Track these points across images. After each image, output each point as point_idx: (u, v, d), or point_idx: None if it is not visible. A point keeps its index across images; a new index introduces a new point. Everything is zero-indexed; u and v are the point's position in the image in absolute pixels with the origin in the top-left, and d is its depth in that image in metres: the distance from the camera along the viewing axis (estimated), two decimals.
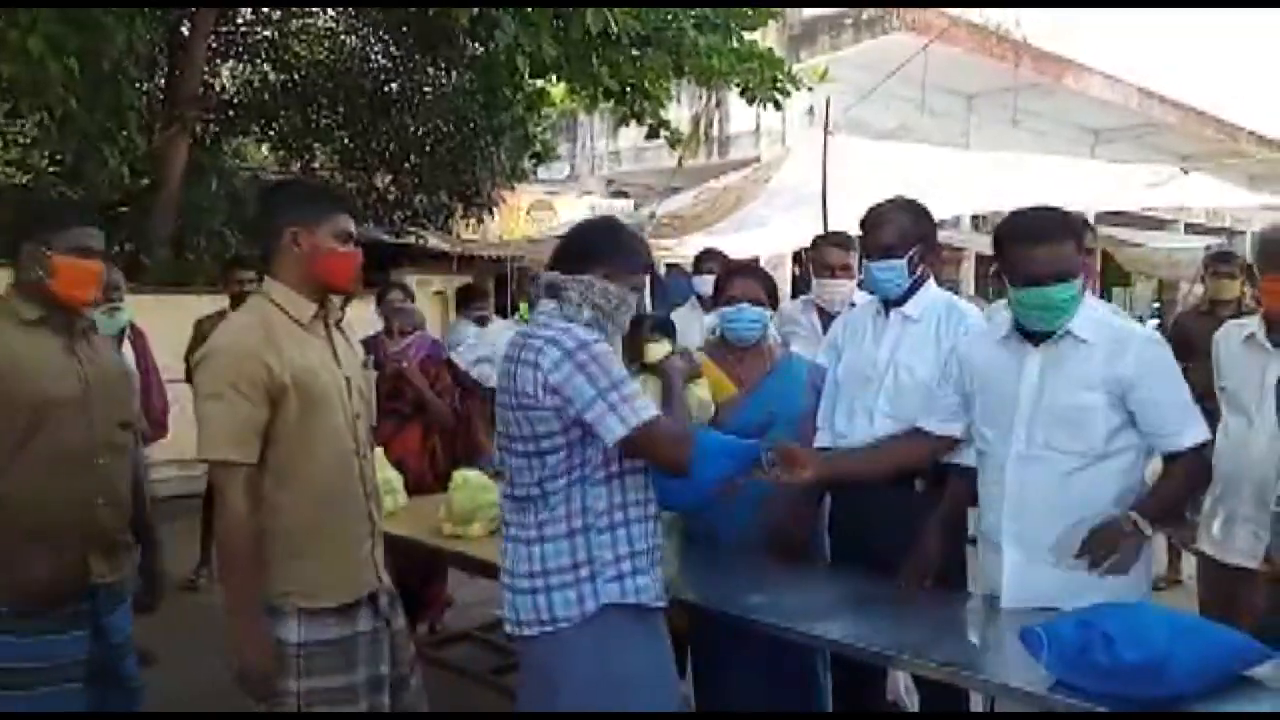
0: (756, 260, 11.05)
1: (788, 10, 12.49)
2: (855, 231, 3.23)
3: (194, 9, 8.70)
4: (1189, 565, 4.96)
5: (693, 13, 8.23)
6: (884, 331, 2.97)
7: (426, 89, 10.90)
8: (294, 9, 10.64)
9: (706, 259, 5.92)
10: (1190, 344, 3.96)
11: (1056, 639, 2.01)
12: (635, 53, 8.16)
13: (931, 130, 13.15)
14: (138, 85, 8.36)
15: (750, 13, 8.63)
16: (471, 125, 10.67)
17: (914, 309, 2.93)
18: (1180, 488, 2.52)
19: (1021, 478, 2.47)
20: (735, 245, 8.00)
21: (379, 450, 3.37)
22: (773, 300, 3.21)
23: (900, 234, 2.87)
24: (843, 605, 2.70)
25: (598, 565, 2.24)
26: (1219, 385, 3.19)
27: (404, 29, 10.08)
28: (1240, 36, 72.84)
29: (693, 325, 5.75)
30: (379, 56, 11.05)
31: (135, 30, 6.92)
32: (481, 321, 7.11)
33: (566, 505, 2.25)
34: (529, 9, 7.25)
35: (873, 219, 2.93)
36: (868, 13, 13.05)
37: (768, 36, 10.46)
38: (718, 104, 13.39)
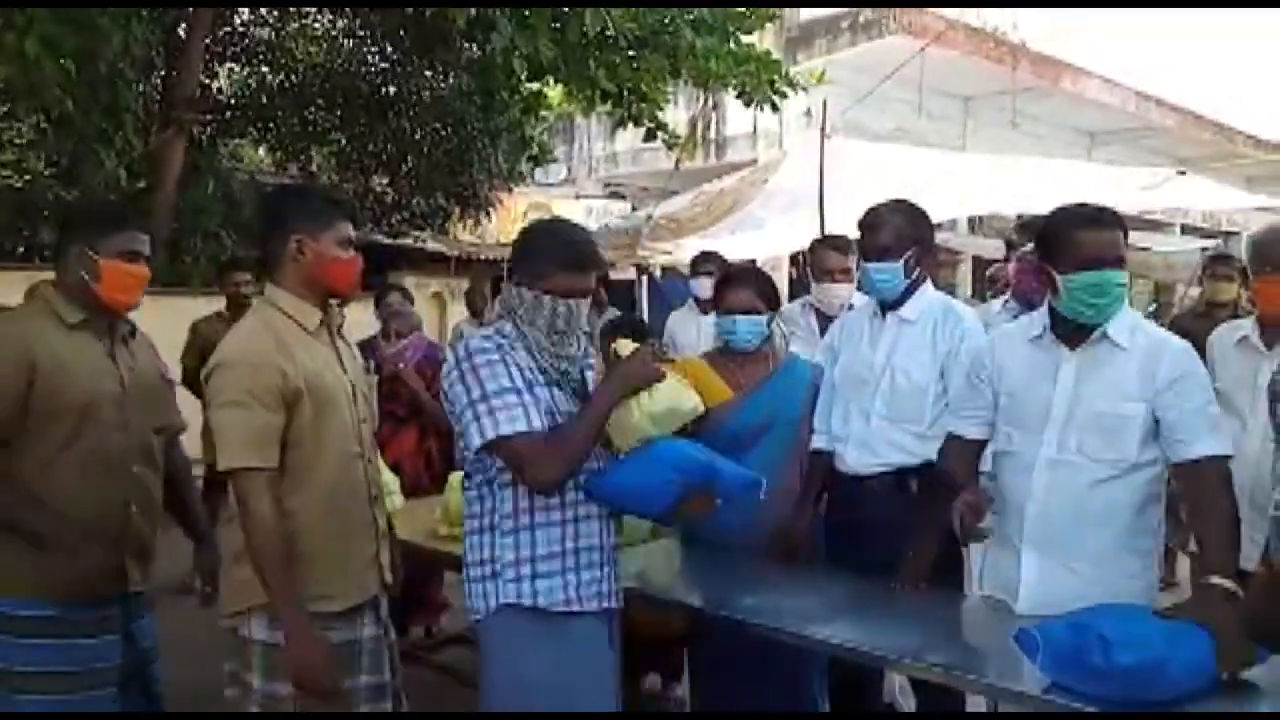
0: (753, 263, 11.07)
1: (785, 13, 12.49)
2: (853, 233, 3.24)
3: (191, 10, 8.69)
4: (1184, 567, 4.97)
5: (690, 15, 8.22)
6: (880, 334, 2.98)
7: (423, 91, 10.90)
8: (291, 11, 10.63)
9: (703, 261, 5.92)
10: None
11: (1051, 641, 2.01)
12: (632, 55, 8.16)
13: (928, 132, 13.16)
14: (134, 87, 8.35)
15: (747, 15, 8.63)
16: (468, 127, 10.67)
17: (910, 311, 2.94)
18: (1224, 527, 2.33)
19: (1049, 483, 2.43)
20: (732, 247, 8.00)
21: None
22: (774, 303, 3.21)
23: (897, 236, 2.88)
24: (839, 607, 2.70)
25: (499, 565, 2.33)
26: (1214, 387, 3.19)
27: (401, 31, 10.08)
28: (1237, 36, 72.95)
29: (690, 327, 5.77)
30: (376, 59, 11.04)
31: (132, 32, 6.92)
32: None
33: (480, 504, 2.37)
34: (525, 12, 7.25)
35: (869, 221, 2.94)
36: (864, 15, 13.05)
37: (765, 39, 10.46)
38: (714, 106, 13.38)
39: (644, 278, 11.92)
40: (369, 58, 11.05)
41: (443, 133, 10.90)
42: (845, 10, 13.30)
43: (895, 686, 3.74)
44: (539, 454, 2.23)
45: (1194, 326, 4.83)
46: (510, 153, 11.04)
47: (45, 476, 2.45)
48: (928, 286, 2.99)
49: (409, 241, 11.00)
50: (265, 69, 10.96)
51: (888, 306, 2.98)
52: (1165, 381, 2.36)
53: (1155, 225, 15.90)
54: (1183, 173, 8.63)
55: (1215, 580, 2.18)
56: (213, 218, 9.05)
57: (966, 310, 3.00)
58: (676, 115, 11.67)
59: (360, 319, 4.63)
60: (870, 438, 2.92)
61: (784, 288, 12.54)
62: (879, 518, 2.88)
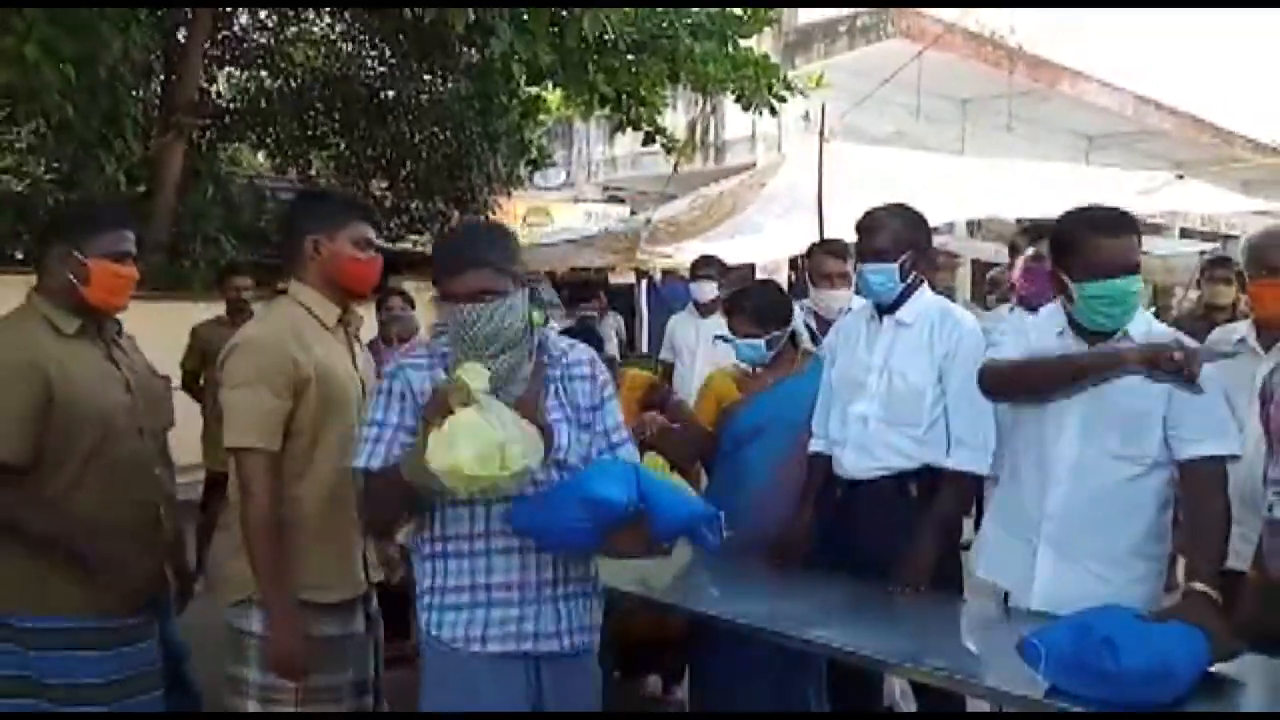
0: (753, 268, 11.08)
1: (783, 17, 12.51)
2: (852, 237, 3.26)
3: (190, 14, 8.70)
4: (1181, 568, 4.96)
5: (688, 19, 8.24)
6: (877, 337, 2.98)
7: (422, 96, 10.90)
8: (290, 15, 10.64)
9: (703, 265, 5.94)
10: None
11: (1054, 648, 2.01)
12: (631, 59, 8.18)
13: (927, 136, 13.18)
14: (134, 93, 8.36)
15: (745, 18, 8.64)
16: (467, 132, 10.67)
17: (907, 314, 2.94)
18: (1213, 532, 2.33)
19: (1071, 479, 2.43)
20: (731, 251, 7.99)
21: None
22: (780, 321, 3.28)
23: (894, 239, 2.89)
24: (837, 610, 2.70)
25: (419, 589, 2.25)
26: None
27: (400, 36, 10.08)
28: (1235, 37, 73.03)
29: (689, 331, 5.78)
30: (375, 63, 11.04)
31: (131, 37, 6.92)
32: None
33: (409, 524, 2.26)
34: (524, 16, 7.26)
35: (866, 224, 2.95)
36: (862, 19, 13.07)
37: (763, 43, 10.47)
38: (713, 110, 13.40)
39: (644, 282, 11.92)
40: (368, 62, 11.05)
41: (441, 137, 10.91)
42: (843, 14, 13.33)
43: (896, 690, 3.74)
44: (360, 494, 2.17)
45: (1192, 329, 4.86)
46: (509, 157, 11.05)
47: (75, 493, 2.40)
48: (924, 289, 2.99)
49: (408, 246, 11.00)
50: (264, 73, 10.96)
51: (884, 309, 2.98)
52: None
53: (1154, 228, 15.91)
54: (1180, 177, 8.64)
55: (1198, 587, 2.22)
56: (212, 222, 9.05)
57: (964, 313, 3.01)
58: (675, 119, 11.69)
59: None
60: (868, 441, 2.92)
61: None
62: (877, 521, 2.88)
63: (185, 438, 2.69)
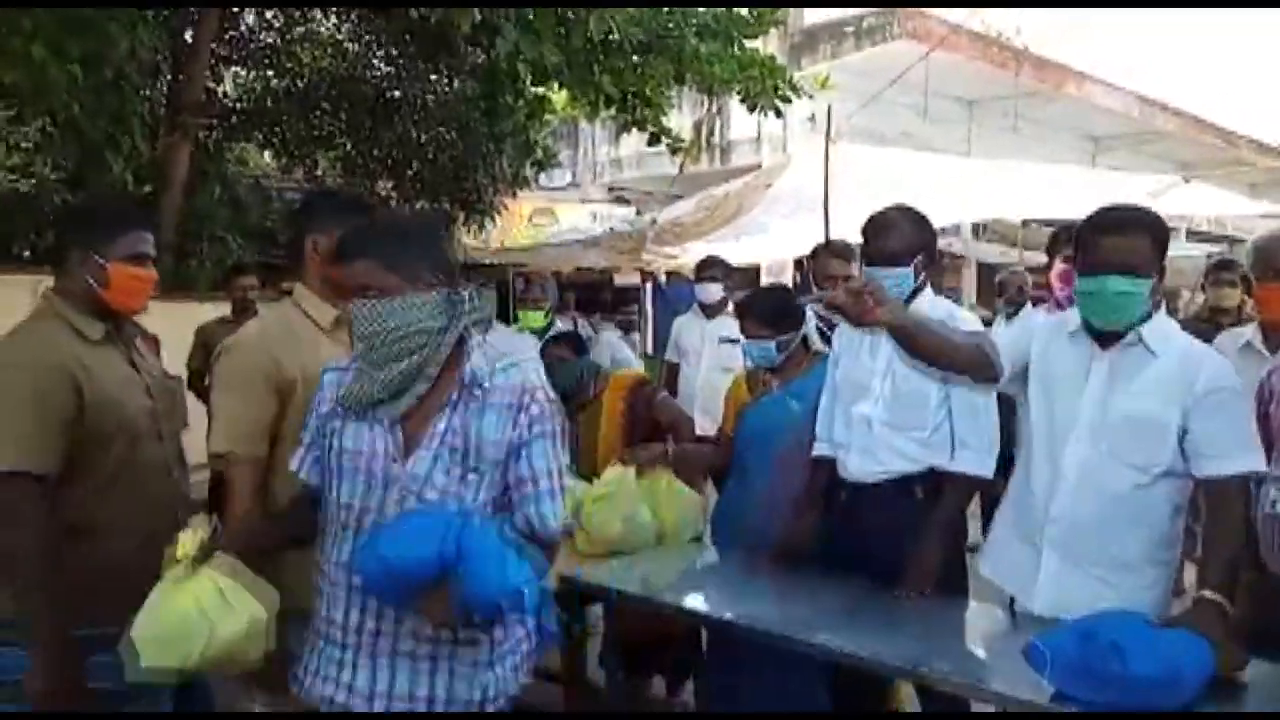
0: (757, 271, 11.07)
1: (789, 18, 12.51)
2: (856, 238, 3.26)
3: (196, 14, 8.71)
4: (1190, 574, 4.95)
5: (694, 20, 8.24)
6: (881, 340, 2.96)
7: (428, 96, 10.91)
8: (296, 15, 10.65)
9: (708, 267, 5.93)
10: None
11: (1060, 654, 2.01)
12: (636, 60, 8.17)
13: (933, 137, 13.18)
14: (141, 92, 8.37)
15: (752, 19, 8.64)
16: (473, 132, 10.68)
17: None
18: (1233, 547, 2.29)
19: (1078, 484, 2.41)
20: (736, 252, 8.01)
21: None
22: (790, 323, 3.30)
23: (905, 241, 2.86)
24: (843, 614, 2.69)
25: None
26: None
27: (406, 36, 10.09)
28: (1241, 34, 72.82)
29: (694, 332, 5.78)
30: (381, 63, 11.05)
31: (138, 36, 6.94)
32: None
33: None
34: (530, 16, 7.26)
35: (876, 225, 2.91)
36: (868, 21, 13.08)
37: (769, 44, 10.47)
38: (718, 111, 13.40)
39: (649, 283, 11.93)
40: (374, 62, 11.06)
41: (447, 137, 10.91)
42: (849, 15, 13.34)
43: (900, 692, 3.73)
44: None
45: (1197, 332, 4.84)
46: (515, 157, 11.05)
47: (103, 502, 2.34)
48: (929, 291, 2.98)
49: None
50: (270, 73, 10.98)
51: None
52: (1202, 392, 2.32)
53: None
54: (1187, 180, 8.63)
55: (1209, 595, 2.19)
56: (219, 222, 9.07)
57: (969, 314, 2.99)
58: (680, 120, 11.70)
59: None
60: (872, 444, 2.90)
61: None
62: (882, 524, 2.87)
63: (191, 437, 2.68)
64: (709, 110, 13.12)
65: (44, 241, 7.87)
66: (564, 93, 9.96)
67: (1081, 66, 15.60)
